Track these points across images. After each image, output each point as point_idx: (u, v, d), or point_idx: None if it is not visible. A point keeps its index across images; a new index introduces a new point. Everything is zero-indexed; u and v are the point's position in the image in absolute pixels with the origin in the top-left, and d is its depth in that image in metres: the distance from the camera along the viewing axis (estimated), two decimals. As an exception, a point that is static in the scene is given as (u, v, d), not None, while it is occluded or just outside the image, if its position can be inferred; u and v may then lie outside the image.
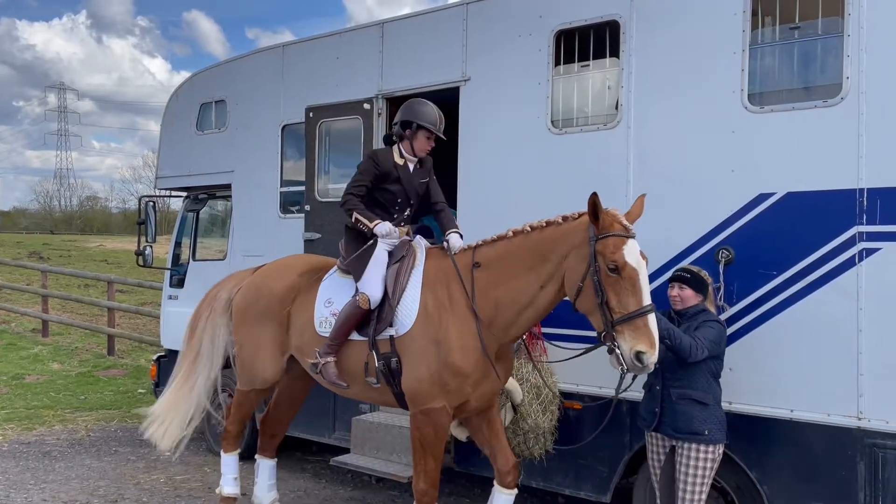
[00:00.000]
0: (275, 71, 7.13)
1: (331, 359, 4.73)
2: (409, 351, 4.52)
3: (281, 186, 7.09)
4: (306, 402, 6.65)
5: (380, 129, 6.29)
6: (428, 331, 4.48)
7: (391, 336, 4.57)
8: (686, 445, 4.15)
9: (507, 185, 5.52)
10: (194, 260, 8.22)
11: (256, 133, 7.28)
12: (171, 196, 9.02)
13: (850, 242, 4.20)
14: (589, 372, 4.84)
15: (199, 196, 8.24)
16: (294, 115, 6.90)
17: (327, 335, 4.80)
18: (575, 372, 5.03)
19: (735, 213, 4.55)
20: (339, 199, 4.97)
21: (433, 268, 4.69)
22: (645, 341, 3.75)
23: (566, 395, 5.23)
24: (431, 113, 4.80)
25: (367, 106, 6.34)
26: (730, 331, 4.49)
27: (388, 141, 5.08)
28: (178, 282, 8.22)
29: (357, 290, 4.68)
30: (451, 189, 5.97)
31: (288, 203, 7.07)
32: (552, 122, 5.33)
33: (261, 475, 5.70)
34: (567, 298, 4.19)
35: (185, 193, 8.45)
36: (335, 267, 5.13)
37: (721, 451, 4.20)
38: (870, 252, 4.15)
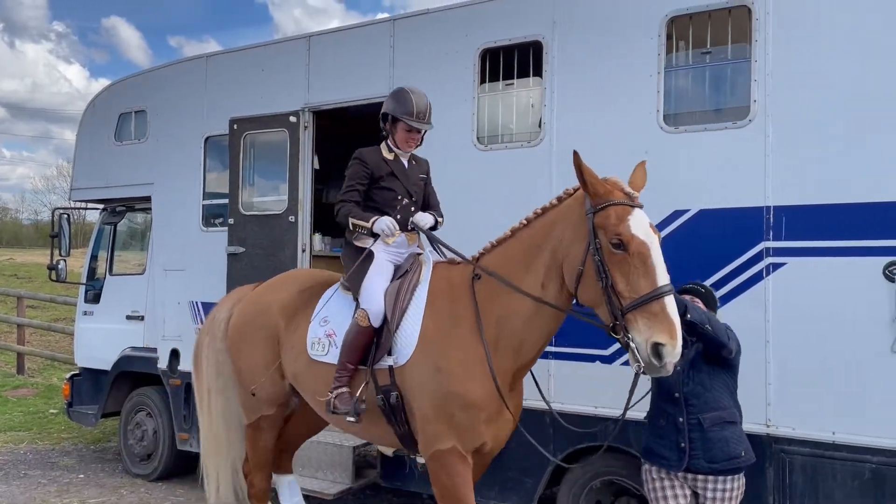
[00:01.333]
0: (198, 82, 7.05)
1: (343, 389, 3.96)
2: (411, 384, 3.81)
3: (203, 199, 6.99)
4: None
5: (306, 141, 6.30)
6: (429, 359, 3.75)
7: (390, 366, 3.88)
8: (722, 479, 3.53)
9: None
10: (111, 274, 8.01)
11: (178, 145, 7.16)
12: (86, 208, 8.78)
13: (758, 257, 4.43)
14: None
15: (116, 209, 8.05)
16: (217, 127, 6.82)
17: (319, 359, 4.19)
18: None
19: (658, 226, 4.70)
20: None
21: (438, 283, 4.00)
22: (664, 330, 2.99)
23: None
24: (409, 102, 4.15)
25: (293, 119, 6.33)
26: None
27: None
28: (94, 297, 7.99)
29: (357, 306, 4.05)
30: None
31: (210, 216, 6.98)
32: (478, 138, 5.44)
33: (282, 493, 5.15)
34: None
35: (101, 206, 8.23)
36: (338, 283, 4.45)
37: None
38: (776, 266, 4.39)
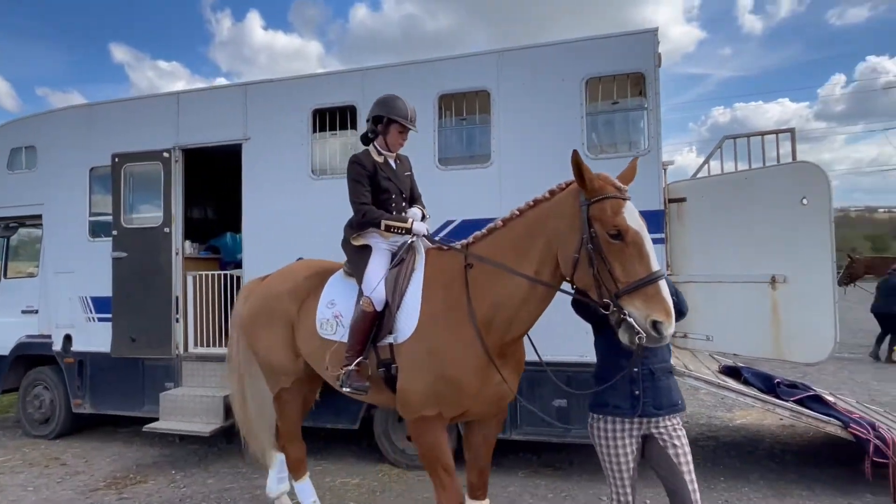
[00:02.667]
0: (84, 124, 6.22)
1: (352, 368, 3.20)
2: (407, 359, 3.09)
3: (89, 216, 6.21)
4: (119, 383, 5.93)
5: (177, 172, 5.83)
6: (426, 339, 3.03)
7: (391, 343, 3.15)
8: (669, 420, 2.72)
9: (281, 218, 5.40)
10: (5, 278, 6.85)
11: (66, 173, 6.27)
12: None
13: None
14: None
15: (9, 224, 6.88)
16: (101, 160, 6.07)
17: (329, 337, 3.42)
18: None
19: (434, 232, 4.93)
20: (353, 218, 3.42)
21: (432, 270, 3.21)
22: (660, 310, 2.35)
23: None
24: (402, 107, 3.39)
25: (166, 154, 5.83)
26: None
27: (365, 140, 3.57)
28: (-10, 297, 6.78)
29: (361, 293, 3.27)
30: (237, 226, 5.77)
31: (96, 229, 6.21)
32: (312, 171, 5.38)
33: (273, 466, 4.18)
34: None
35: (-6, 223, 6.99)
36: (341, 269, 3.64)
37: None
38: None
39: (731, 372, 5.08)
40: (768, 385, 4.71)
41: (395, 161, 3.54)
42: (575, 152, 2.57)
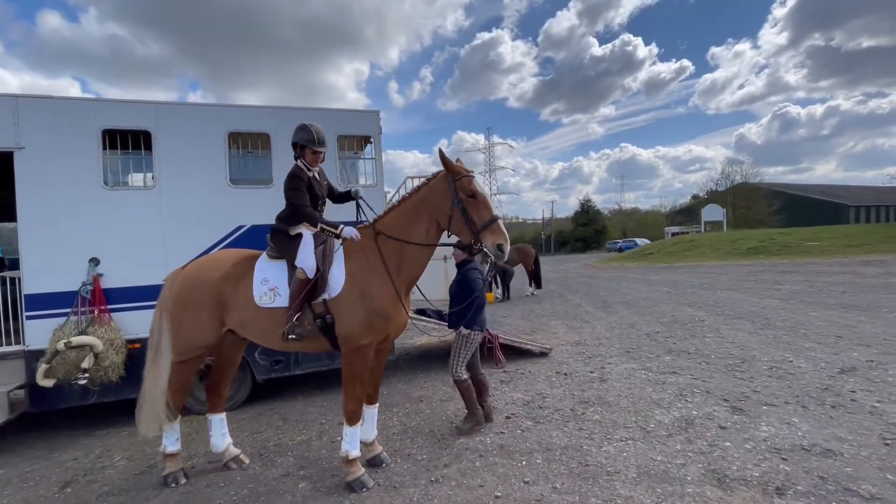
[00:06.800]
0: None
1: (294, 320, 4.01)
2: (342, 307, 4.01)
3: None
4: None
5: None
6: (355, 288, 4.01)
7: (324, 299, 4.04)
8: (480, 333, 5.22)
9: (65, 227, 5.59)
10: None
11: None
12: None
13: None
14: (144, 325, 5.24)
15: None
16: None
17: (269, 306, 4.13)
18: (135, 327, 5.66)
19: (229, 233, 6.13)
20: (290, 214, 4.19)
21: (349, 244, 4.21)
22: (501, 236, 3.73)
23: (130, 341, 5.69)
24: (309, 133, 4.22)
25: None
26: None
27: (295, 155, 4.36)
28: None
29: (295, 267, 4.10)
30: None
31: None
32: (104, 182, 5.75)
33: (214, 428, 4.72)
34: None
35: None
36: (264, 254, 4.35)
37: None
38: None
39: (420, 312, 7.88)
40: (440, 316, 7.65)
41: (318, 173, 4.39)
42: (440, 151, 3.88)
